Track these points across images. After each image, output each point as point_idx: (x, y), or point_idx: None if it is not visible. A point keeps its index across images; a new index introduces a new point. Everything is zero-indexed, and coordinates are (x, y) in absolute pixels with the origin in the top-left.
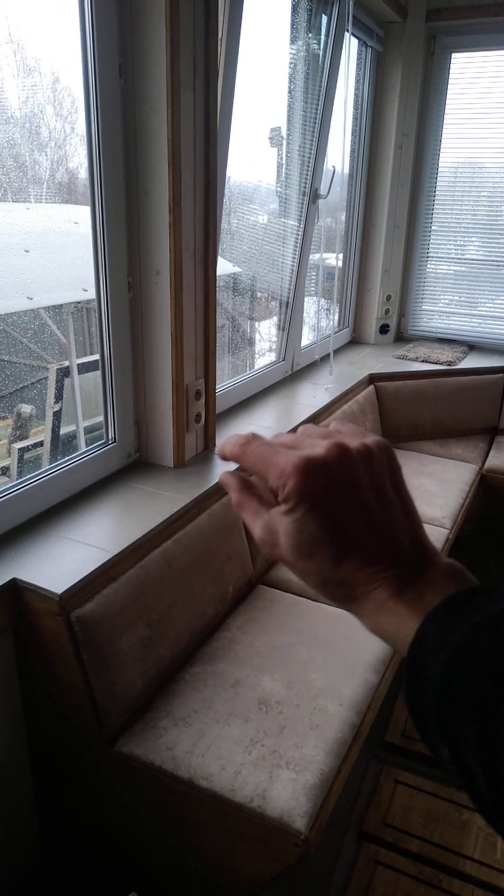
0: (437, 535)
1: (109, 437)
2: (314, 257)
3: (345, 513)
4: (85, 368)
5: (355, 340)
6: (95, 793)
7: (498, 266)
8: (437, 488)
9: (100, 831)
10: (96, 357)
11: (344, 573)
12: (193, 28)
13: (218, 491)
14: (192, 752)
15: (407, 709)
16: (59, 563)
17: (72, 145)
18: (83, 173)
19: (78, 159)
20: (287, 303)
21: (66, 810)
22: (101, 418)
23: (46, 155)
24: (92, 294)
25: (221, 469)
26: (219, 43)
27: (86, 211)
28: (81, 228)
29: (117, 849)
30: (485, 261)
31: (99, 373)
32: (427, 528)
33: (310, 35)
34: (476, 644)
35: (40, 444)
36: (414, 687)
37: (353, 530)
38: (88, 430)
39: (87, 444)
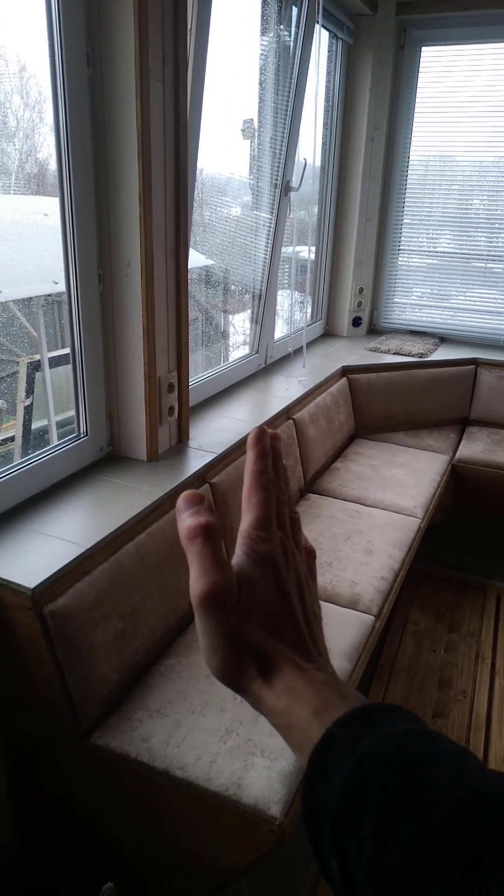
0: (409, 524)
1: (81, 430)
2: (287, 250)
3: (287, 591)
4: (56, 362)
5: (328, 333)
6: (72, 786)
7: (469, 259)
8: (409, 478)
9: (77, 823)
10: (68, 350)
11: (268, 640)
12: (162, 17)
13: (192, 483)
14: (167, 742)
15: (301, 810)
16: (32, 557)
17: (41, 136)
18: (53, 164)
19: (47, 150)
20: (260, 295)
21: (42, 804)
22: (73, 412)
23: (14, 145)
24: (62, 287)
25: (195, 462)
26: (188, 33)
27: (56, 202)
28: (51, 220)
29: (94, 840)
30: (456, 254)
31: (70, 366)
32: (399, 517)
33: (280, 27)
34: (384, 756)
35: (11, 438)
36: (313, 789)
37: (291, 606)
38: (61, 425)
39: (59, 439)
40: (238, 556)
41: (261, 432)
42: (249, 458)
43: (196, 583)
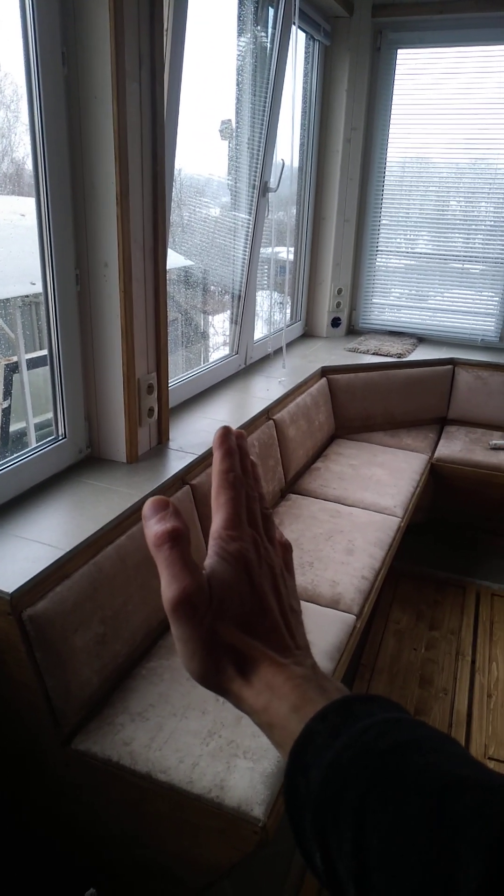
0: (390, 523)
1: (59, 432)
2: (266, 251)
3: (261, 587)
4: (34, 364)
5: (307, 334)
6: (53, 791)
7: (446, 260)
8: (388, 478)
9: (59, 829)
10: (46, 352)
11: (244, 638)
12: (138, 18)
13: (173, 485)
14: (149, 746)
15: (284, 807)
16: (10, 561)
17: (17, 135)
18: (30, 164)
19: (24, 149)
20: (239, 296)
21: (23, 809)
22: (51, 414)
23: None
24: (40, 288)
25: (176, 464)
26: (164, 34)
27: (33, 203)
28: (28, 221)
29: (77, 846)
30: (434, 255)
31: (48, 368)
32: (379, 517)
33: (257, 27)
34: (361, 747)
35: None
36: (295, 785)
37: (265, 602)
38: (39, 427)
39: (37, 441)
40: (209, 557)
41: (225, 432)
42: (216, 458)
43: (167, 589)
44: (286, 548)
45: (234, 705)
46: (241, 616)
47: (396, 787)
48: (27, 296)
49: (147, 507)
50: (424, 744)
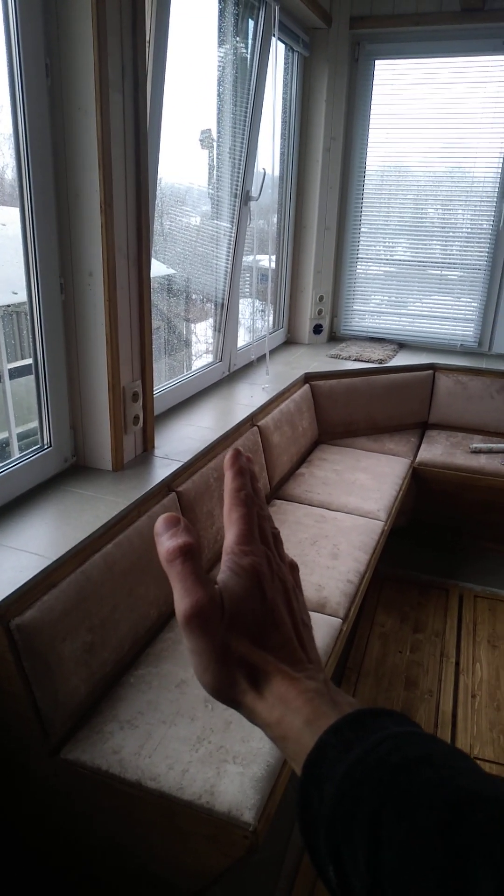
0: (374, 527)
1: (45, 441)
2: (248, 259)
3: (273, 601)
4: (17, 373)
5: (290, 341)
6: (42, 801)
7: (425, 267)
8: (372, 482)
9: (48, 839)
10: (28, 361)
11: (257, 651)
12: (120, 29)
13: (159, 492)
14: (138, 753)
15: (297, 821)
16: None
17: None
18: (10, 174)
19: (3, 160)
20: (222, 304)
21: (12, 820)
22: (35, 424)
23: None
24: (22, 297)
25: (162, 471)
26: (146, 45)
27: (13, 212)
28: (9, 230)
29: (67, 856)
30: (412, 262)
31: (31, 377)
32: (363, 521)
33: (237, 39)
34: (375, 761)
35: None
36: (308, 799)
37: (278, 616)
38: (22, 437)
39: (20, 451)
40: (222, 572)
41: (236, 453)
42: (228, 477)
43: (180, 602)
44: (294, 567)
45: (247, 718)
46: (254, 629)
47: (410, 802)
48: (9, 305)
49: (159, 524)
50: (436, 758)
